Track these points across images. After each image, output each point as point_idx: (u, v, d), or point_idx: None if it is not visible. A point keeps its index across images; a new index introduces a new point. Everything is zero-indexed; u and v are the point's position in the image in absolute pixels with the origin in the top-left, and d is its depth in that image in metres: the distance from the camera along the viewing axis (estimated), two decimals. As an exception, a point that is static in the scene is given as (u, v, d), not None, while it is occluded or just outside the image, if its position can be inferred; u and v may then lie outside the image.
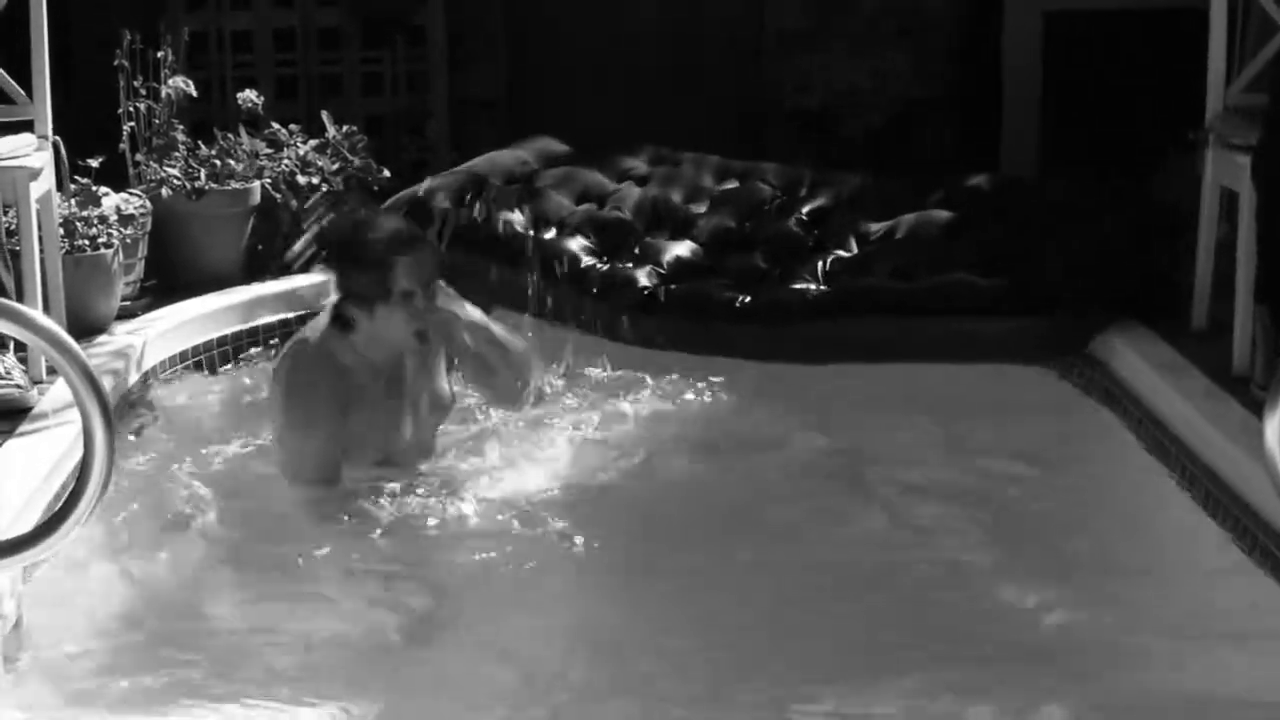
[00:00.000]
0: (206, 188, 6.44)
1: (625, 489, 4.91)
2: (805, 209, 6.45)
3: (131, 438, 5.21)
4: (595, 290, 6.02)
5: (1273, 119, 4.94)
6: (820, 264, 6.05)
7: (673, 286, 6.02)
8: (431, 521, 4.59)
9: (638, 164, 6.79)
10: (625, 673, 3.82)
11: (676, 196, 6.53)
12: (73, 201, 5.92)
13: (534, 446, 5.13)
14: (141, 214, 6.18)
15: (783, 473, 5.04)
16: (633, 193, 6.51)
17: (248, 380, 5.90)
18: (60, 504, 2.83)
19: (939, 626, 4.02)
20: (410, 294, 4.62)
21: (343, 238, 4.79)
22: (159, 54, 6.54)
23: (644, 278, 6.04)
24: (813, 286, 5.95)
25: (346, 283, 4.67)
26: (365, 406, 4.70)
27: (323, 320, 4.77)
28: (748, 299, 5.93)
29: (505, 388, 4.95)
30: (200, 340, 6.00)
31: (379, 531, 4.52)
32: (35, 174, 5.29)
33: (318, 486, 4.67)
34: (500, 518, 4.61)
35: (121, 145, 6.48)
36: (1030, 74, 8.01)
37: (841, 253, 6.13)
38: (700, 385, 5.69)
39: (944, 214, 6.27)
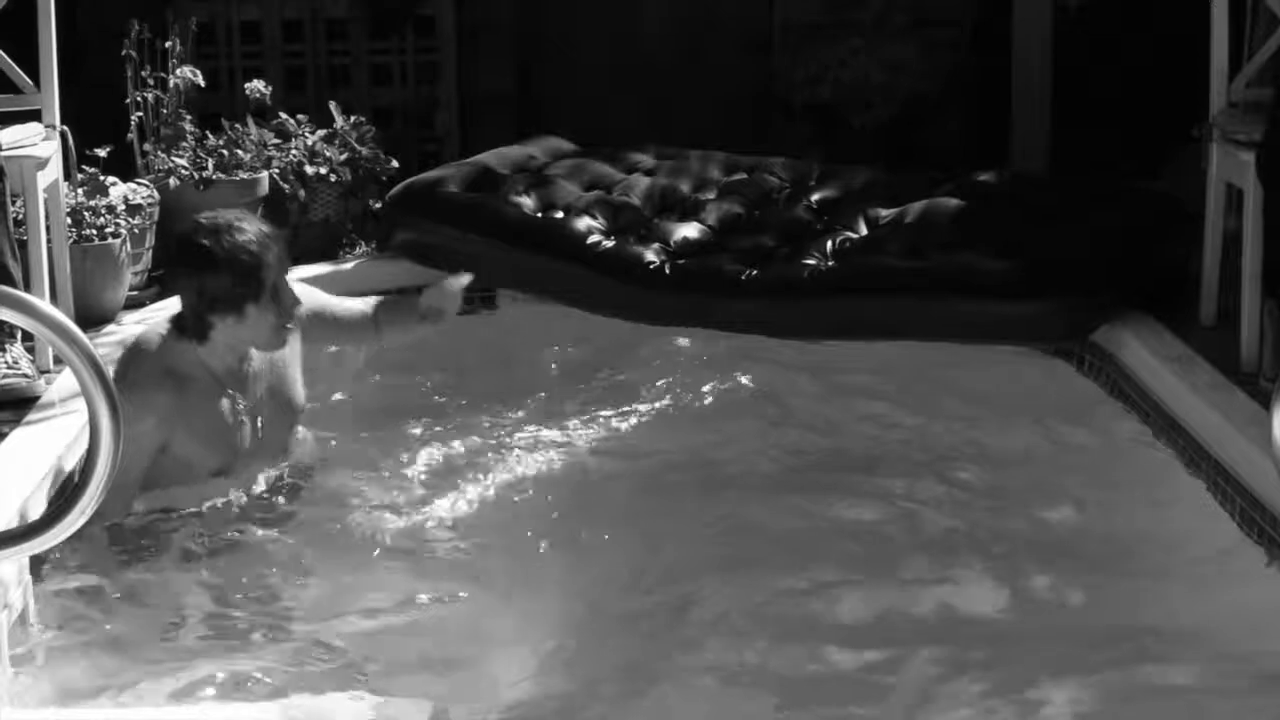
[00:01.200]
0: (214, 178, 6.44)
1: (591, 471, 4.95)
2: (814, 198, 6.44)
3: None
4: (601, 265, 6.01)
5: (1277, 115, 4.93)
6: (830, 243, 6.02)
7: (680, 261, 6.00)
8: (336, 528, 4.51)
9: (645, 159, 6.79)
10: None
11: (685, 186, 6.53)
12: (80, 191, 5.93)
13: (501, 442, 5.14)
14: (149, 204, 6.18)
15: (778, 455, 5.03)
16: (641, 182, 6.51)
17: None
18: (66, 494, 2.83)
19: (937, 615, 4.01)
20: (278, 289, 4.49)
21: (205, 243, 4.45)
22: (167, 44, 6.54)
23: (651, 254, 6.03)
24: (821, 263, 5.92)
25: (212, 288, 4.42)
26: (204, 416, 4.51)
27: (159, 330, 4.56)
28: (754, 272, 5.91)
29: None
30: (207, 330, 5.99)
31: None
32: (43, 163, 5.29)
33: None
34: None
35: (129, 135, 6.48)
36: (1040, 68, 8.00)
37: (851, 234, 6.11)
38: (700, 360, 5.70)
39: (954, 200, 6.25)
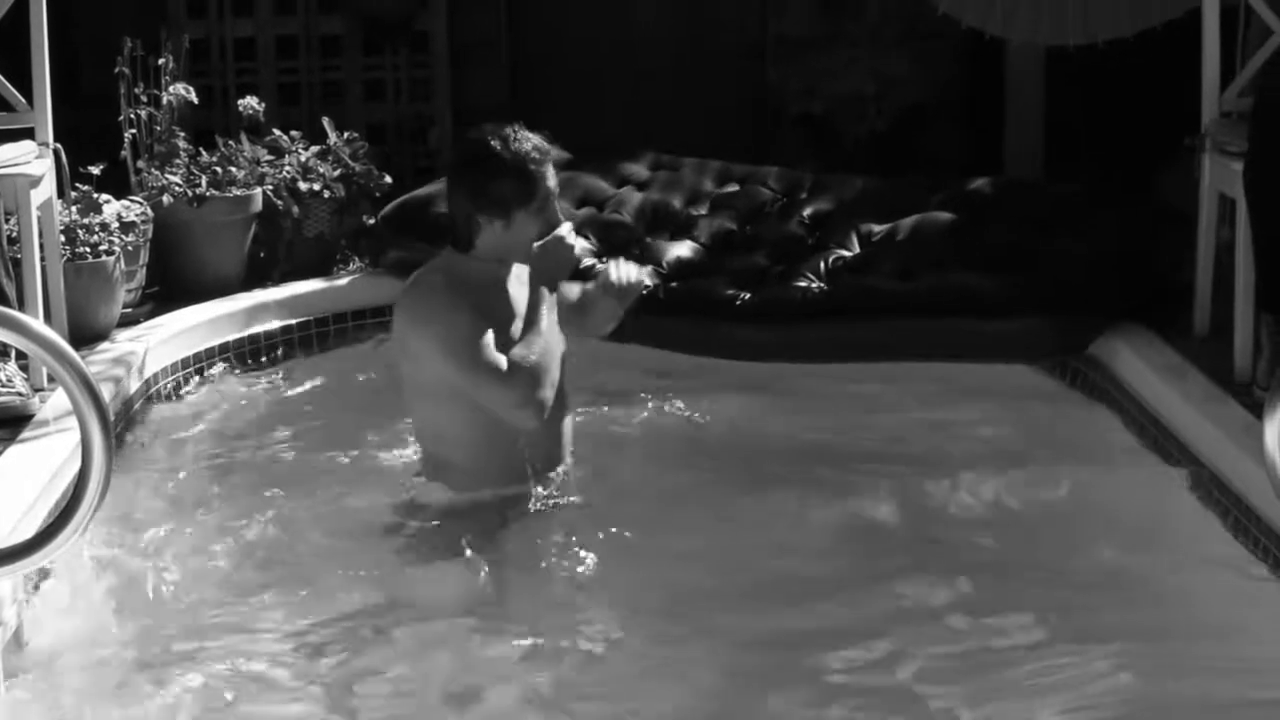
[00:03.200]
0: (208, 195, 6.44)
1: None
2: (806, 211, 6.45)
3: (139, 444, 5.23)
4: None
5: (1258, 129, 4.95)
6: (822, 263, 6.02)
7: (673, 285, 6.00)
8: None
9: (638, 169, 6.79)
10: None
11: (677, 201, 6.53)
12: (74, 209, 5.92)
13: None
14: (143, 221, 6.18)
15: (779, 473, 5.01)
16: (633, 197, 6.51)
17: (249, 386, 5.92)
18: (59, 512, 2.83)
19: (932, 628, 4.00)
20: (552, 200, 4.52)
21: (493, 144, 4.48)
22: (160, 61, 6.55)
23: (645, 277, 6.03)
24: (814, 285, 5.93)
25: (490, 189, 4.45)
26: (500, 310, 4.48)
27: (433, 256, 4.63)
28: (748, 296, 5.91)
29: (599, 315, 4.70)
30: (202, 347, 6.00)
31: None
32: (36, 181, 5.29)
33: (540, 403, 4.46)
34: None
35: (123, 152, 6.48)
36: (1034, 78, 8.01)
37: (843, 252, 6.12)
38: (695, 386, 5.68)
39: (946, 215, 6.26)
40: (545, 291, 4.57)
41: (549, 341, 4.51)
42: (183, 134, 6.56)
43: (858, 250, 6.15)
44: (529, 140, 4.49)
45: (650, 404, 5.50)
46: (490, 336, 4.40)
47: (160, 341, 5.84)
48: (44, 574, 4.08)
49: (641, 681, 3.86)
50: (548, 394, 4.47)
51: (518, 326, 4.51)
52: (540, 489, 4.59)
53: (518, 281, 4.58)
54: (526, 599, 4.27)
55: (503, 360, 4.39)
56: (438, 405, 4.53)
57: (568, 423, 4.70)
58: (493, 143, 4.48)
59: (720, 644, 3.99)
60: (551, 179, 4.50)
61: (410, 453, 5.01)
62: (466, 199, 4.50)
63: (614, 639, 4.04)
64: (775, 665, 3.92)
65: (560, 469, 4.66)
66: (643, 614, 4.16)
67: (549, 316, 4.54)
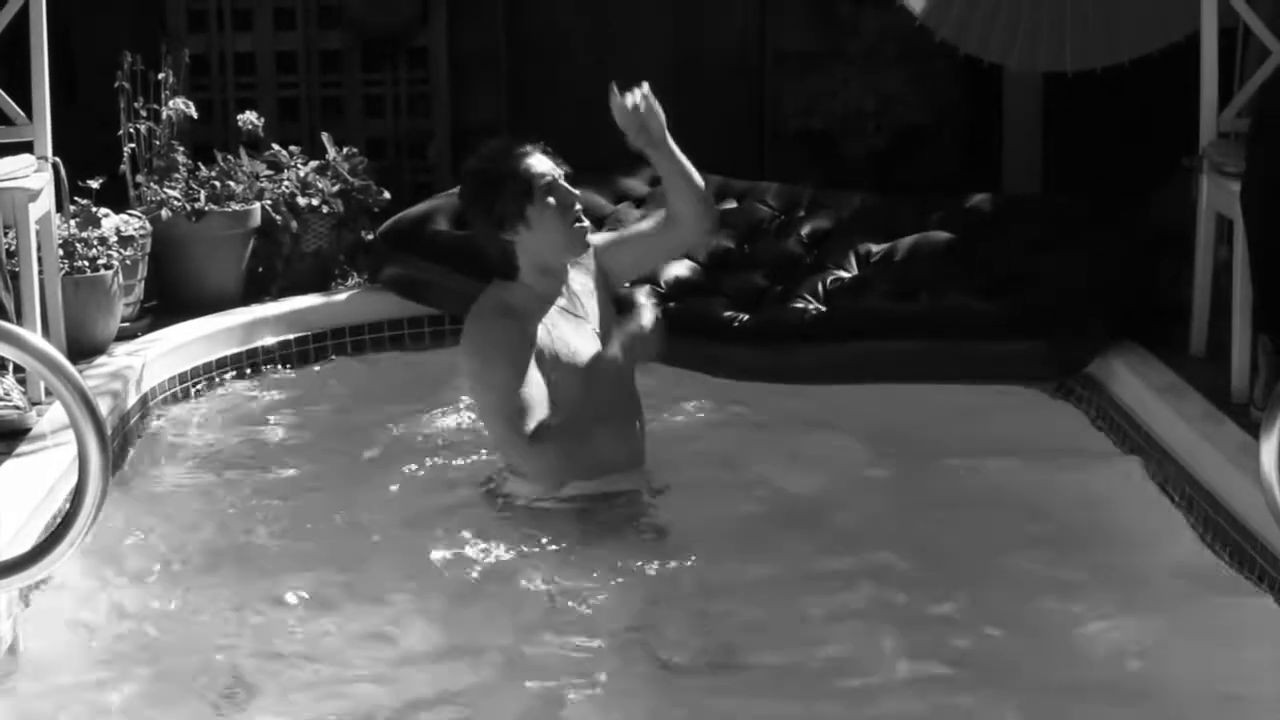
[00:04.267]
0: (206, 209, 6.45)
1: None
2: (805, 229, 6.45)
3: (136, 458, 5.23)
4: None
5: (1256, 150, 4.96)
6: (820, 284, 6.03)
7: (671, 305, 6.01)
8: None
9: (636, 184, 6.79)
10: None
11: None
12: (72, 223, 5.92)
13: None
14: (141, 235, 6.18)
15: (772, 497, 5.01)
16: (630, 214, 6.50)
17: (248, 401, 5.91)
18: (55, 527, 2.82)
19: (936, 650, 4.00)
20: (553, 182, 4.61)
21: (472, 169, 4.68)
22: (160, 75, 6.55)
23: (641, 297, 6.02)
24: (811, 307, 5.93)
25: (495, 208, 4.59)
26: (562, 361, 4.57)
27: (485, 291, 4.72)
28: (746, 318, 5.92)
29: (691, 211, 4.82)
30: (200, 362, 6.00)
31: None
32: (34, 195, 5.30)
33: (559, 469, 4.57)
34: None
35: (122, 166, 6.48)
36: (1031, 96, 8.02)
37: (841, 273, 6.12)
38: (691, 406, 5.69)
39: (944, 235, 6.27)
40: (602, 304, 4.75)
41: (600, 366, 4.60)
42: (182, 148, 6.56)
43: (856, 271, 6.15)
44: (496, 145, 4.67)
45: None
46: (529, 385, 4.48)
47: (158, 356, 5.84)
48: (40, 586, 4.08)
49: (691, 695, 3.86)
50: (575, 450, 4.55)
51: (576, 345, 4.61)
52: (615, 491, 4.69)
53: (578, 294, 4.69)
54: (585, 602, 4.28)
55: (532, 416, 4.47)
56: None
57: (637, 427, 4.79)
58: (473, 169, 4.65)
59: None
60: (540, 163, 4.60)
61: (411, 468, 5.03)
62: (488, 228, 4.64)
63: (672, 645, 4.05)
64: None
65: (637, 476, 4.76)
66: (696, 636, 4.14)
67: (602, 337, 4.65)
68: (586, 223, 4.71)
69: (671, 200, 4.86)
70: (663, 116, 4.82)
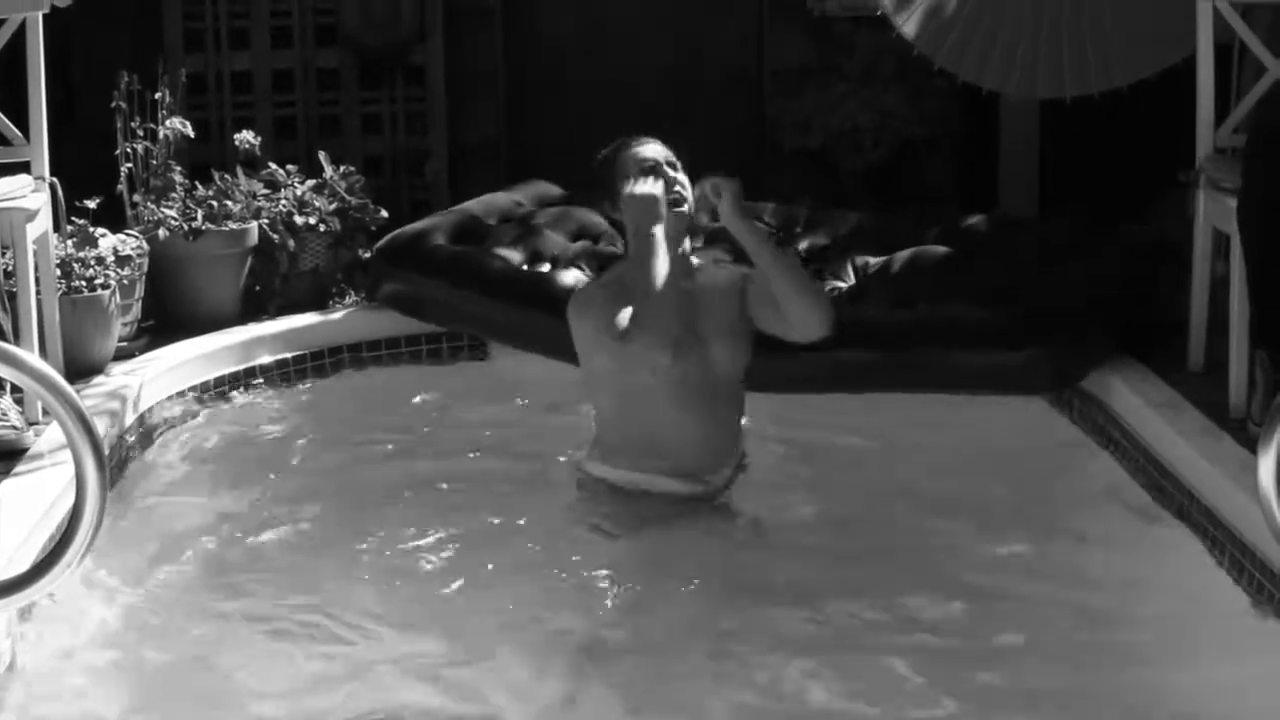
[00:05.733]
0: (204, 228, 6.45)
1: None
2: (802, 245, 6.45)
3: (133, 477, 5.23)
4: None
5: (1252, 166, 4.96)
6: None
7: None
8: None
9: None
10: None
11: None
12: (69, 242, 5.92)
13: None
14: (139, 255, 6.18)
15: (777, 509, 5.01)
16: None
17: (246, 420, 5.91)
18: (53, 546, 2.82)
19: (932, 668, 4.00)
20: (649, 163, 4.91)
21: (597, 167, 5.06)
22: (157, 95, 6.56)
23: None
24: None
25: (606, 192, 5.02)
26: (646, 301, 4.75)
27: None
28: None
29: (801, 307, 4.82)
30: (198, 381, 6.00)
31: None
32: (32, 215, 5.29)
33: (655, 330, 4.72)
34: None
35: (119, 186, 6.48)
36: (1028, 112, 8.03)
37: (839, 283, 6.12)
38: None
39: (941, 248, 6.27)
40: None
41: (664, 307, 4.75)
42: (179, 168, 6.56)
43: (853, 281, 6.15)
44: (612, 145, 5.03)
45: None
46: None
47: (156, 375, 5.83)
48: (38, 605, 4.07)
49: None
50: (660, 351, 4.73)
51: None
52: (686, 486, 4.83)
53: (676, 267, 4.81)
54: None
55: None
56: (591, 391, 4.99)
57: (709, 424, 4.88)
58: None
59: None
60: (635, 155, 4.94)
61: (409, 493, 5.04)
62: (609, 209, 5.15)
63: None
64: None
65: (713, 467, 4.89)
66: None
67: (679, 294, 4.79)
68: (659, 192, 4.86)
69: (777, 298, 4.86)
70: (729, 198, 4.91)
